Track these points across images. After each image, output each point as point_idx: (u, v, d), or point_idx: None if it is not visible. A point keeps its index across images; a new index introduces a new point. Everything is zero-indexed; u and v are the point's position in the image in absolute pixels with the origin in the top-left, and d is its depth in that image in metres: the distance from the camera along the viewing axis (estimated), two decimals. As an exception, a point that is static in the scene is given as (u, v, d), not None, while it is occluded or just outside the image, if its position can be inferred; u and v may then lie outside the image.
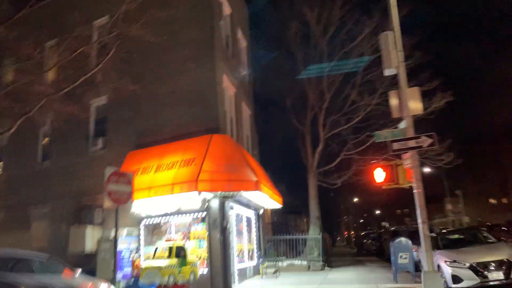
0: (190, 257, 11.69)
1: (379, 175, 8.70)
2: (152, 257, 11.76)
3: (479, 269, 8.67)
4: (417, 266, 11.44)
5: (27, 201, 15.40)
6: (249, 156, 15.29)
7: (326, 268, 16.35)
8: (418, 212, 7.80)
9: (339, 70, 17.44)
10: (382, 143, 9.97)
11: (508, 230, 23.43)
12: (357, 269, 16.47)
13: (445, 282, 8.91)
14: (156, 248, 12.00)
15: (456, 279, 8.81)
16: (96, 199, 12.82)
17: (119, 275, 11.14)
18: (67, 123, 13.79)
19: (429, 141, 7.64)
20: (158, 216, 12.77)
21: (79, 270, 7.67)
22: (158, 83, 14.03)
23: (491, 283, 8.58)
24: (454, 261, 9.06)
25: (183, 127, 13.13)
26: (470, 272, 8.70)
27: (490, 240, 10.78)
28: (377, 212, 73.48)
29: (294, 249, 16.87)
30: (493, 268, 8.64)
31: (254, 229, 15.90)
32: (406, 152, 8.09)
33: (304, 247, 17.29)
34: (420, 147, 7.76)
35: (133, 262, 11.87)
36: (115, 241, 8.84)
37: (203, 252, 11.99)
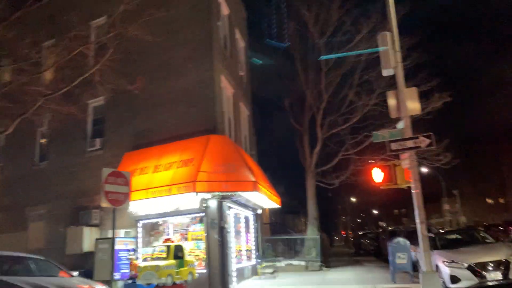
0: (188, 257, 11.63)
1: (377, 175, 8.72)
2: (150, 258, 11.71)
3: (477, 269, 8.65)
4: (415, 266, 11.42)
5: (25, 202, 15.39)
6: (247, 156, 15.28)
7: (324, 268, 16.32)
8: (416, 212, 7.81)
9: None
10: (380, 143, 9.94)
11: (505, 230, 23.56)
12: (355, 269, 16.48)
13: (443, 282, 8.89)
14: (154, 249, 11.96)
15: (454, 279, 8.79)
16: (94, 200, 12.77)
17: (116, 276, 11.10)
18: (64, 124, 13.77)
19: (427, 141, 7.64)
20: (156, 216, 12.75)
21: (75, 273, 7.61)
22: (156, 84, 13.99)
23: (489, 283, 8.56)
24: (452, 261, 9.04)
25: (181, 128, 13.11)
26: (468, 272, 8.68)
27: (488, 240, 10.78)
28: (375, 212, 73.55)
29: (292, 249, 16.86)
30: (491, 268, 8.62)
31: (252, 230, 15.88)
32: (404, 153, 8.10)
33: (302, 247, 17.27)
34: (418, 147, 7.75)
35: (130, 262, 11.82)
36: (112, 241, 8.82)
37: (201, 252, 11.98)
